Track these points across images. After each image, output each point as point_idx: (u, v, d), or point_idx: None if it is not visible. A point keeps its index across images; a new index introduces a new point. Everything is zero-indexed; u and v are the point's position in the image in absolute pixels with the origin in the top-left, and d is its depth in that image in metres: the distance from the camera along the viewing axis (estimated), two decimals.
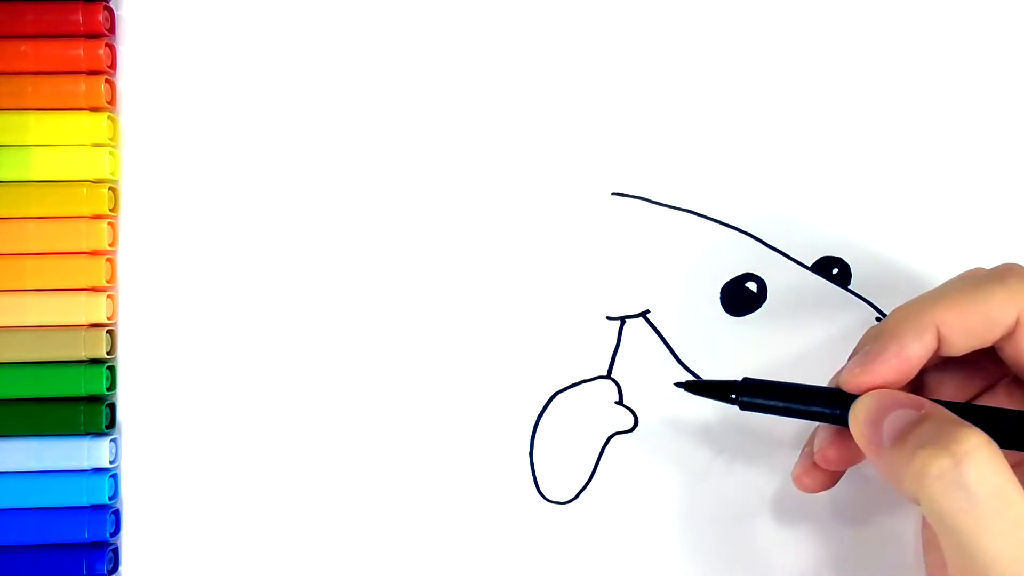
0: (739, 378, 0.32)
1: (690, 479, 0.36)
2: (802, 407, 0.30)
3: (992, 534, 0.25)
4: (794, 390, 0.31)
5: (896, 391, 0.29)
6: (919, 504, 0.26)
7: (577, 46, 0.37)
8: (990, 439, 0.26)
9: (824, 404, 0.30)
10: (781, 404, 0.31)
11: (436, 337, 0.36)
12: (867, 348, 0.30)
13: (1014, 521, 0.25)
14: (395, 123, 0.37)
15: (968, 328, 0.28)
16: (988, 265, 0.30)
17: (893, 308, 0.31)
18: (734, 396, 0.31)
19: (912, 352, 0.29)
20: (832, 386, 0.31)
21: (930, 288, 0.31)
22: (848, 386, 0.30)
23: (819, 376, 0.34)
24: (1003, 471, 0.26)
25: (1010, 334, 0.29)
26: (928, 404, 0.28)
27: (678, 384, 0.33)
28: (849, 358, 0.31)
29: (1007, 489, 0.25)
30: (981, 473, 0.25)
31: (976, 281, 0.29)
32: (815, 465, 0.32)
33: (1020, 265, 0.29)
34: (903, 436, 0.27)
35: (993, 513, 0.25)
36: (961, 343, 0.29)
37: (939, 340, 0.29)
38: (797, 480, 0.33)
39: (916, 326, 0.29)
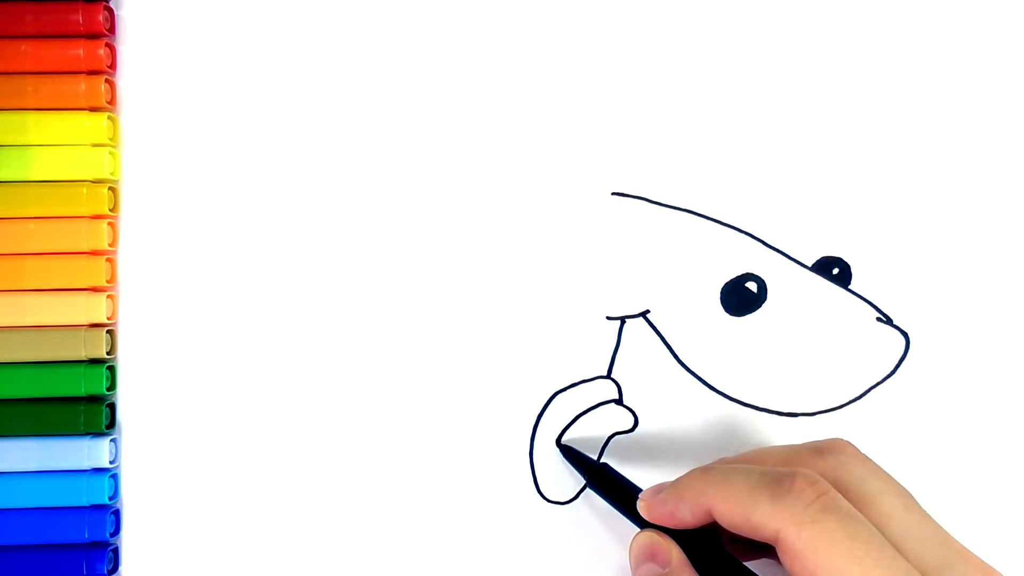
0: (600, 461, 0.35)
1: None
2: (621, 508, 0.33)
3: None
4: (624, 492, 0.33)
5: (658, 540, 0.31)
6: None
7: (577, 46, 0.37)
8: None
9: (636, 518, 0.32)
10: (613, 501, 0.34)
11: (436, 337, 0.36)
12: (662, 487, 0.31)
13: None
14: (395, 123, 0.37)
15: (734, 525, 0.29)
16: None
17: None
18: (585, 472, 0.35)
19: (684, 520, 0.30)
20: None
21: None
22: (639, 508, 0.32)
23: (818, 376, 0.35)
24: None
25: (774, 545, 0.28)
26: (675, 563, 0.30)
27: (558, 444, 0.36)
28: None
29: None
30: None
31: (756, 482, 0.29)
32: None
33: (806, 474, 0.28)
34: None
35: None
36: (734, 529, 0.29)
37: (714, 516, 0.30)
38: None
39: (692, 504, 0.30)
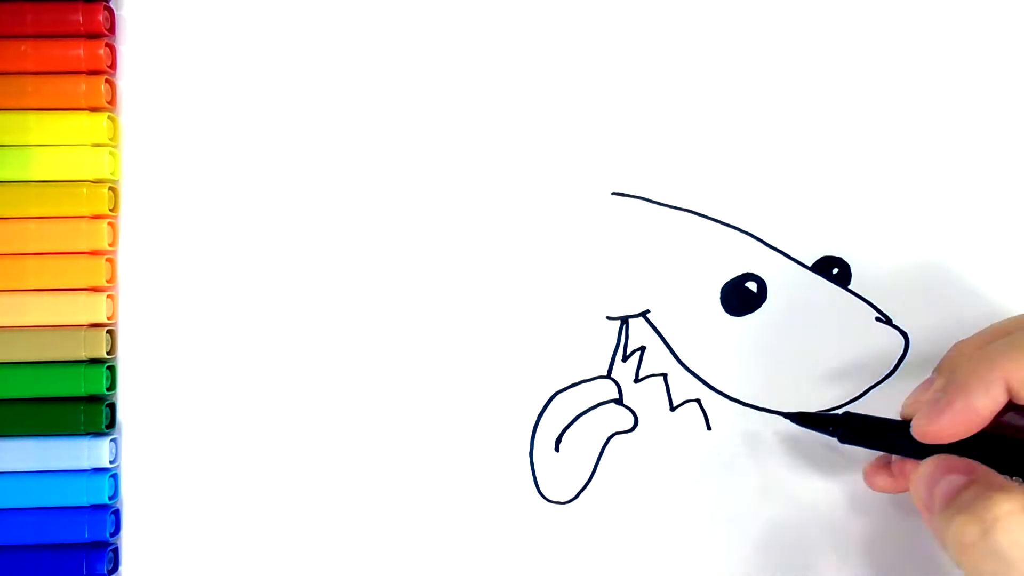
0: (841, 413, 0.34)
1: (690, 479, 0.36)
2: (885, 445, 0.33)
3: None
4: (885, 429, 0.32)
5: (952, 457, 0.29)
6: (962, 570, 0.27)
7: (577, 46, 0.37)
8: None
9: (906, 447, 0.31)
10: (875, 441, 0.33)
11: (436, 337, 0.36)
12: (936, 397, 0.30)
13: None
14: (395, 123, 0.37)
15: None
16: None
17: (955, 343, 0.31)
18: (832, 429, 0.33)
19: (981, 406, 0.29)
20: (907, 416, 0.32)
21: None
22: (917, 434, 0.30)
23: (818, 376, 0.34)
24: None
25: None
26: (979, 470, 0.28)
27: (786, 415, 0.35)
28: (910, 396, 0.32)
29: None
30: (1013, 538, 0.26)
31: None
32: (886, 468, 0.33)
33: None
34: (950, 502, 0.28)
35: None
36: None
37: (1009, 393, 0.28)
38: (868, 478, 0.33)
39: (984, 380, 0.28)
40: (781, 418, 0.36)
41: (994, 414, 0.29)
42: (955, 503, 0.28)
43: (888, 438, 0.32)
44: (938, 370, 0.32)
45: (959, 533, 0.27)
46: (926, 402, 0.30)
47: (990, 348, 0.29)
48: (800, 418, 0.34)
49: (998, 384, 0.28)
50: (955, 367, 0.30)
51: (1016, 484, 0.28)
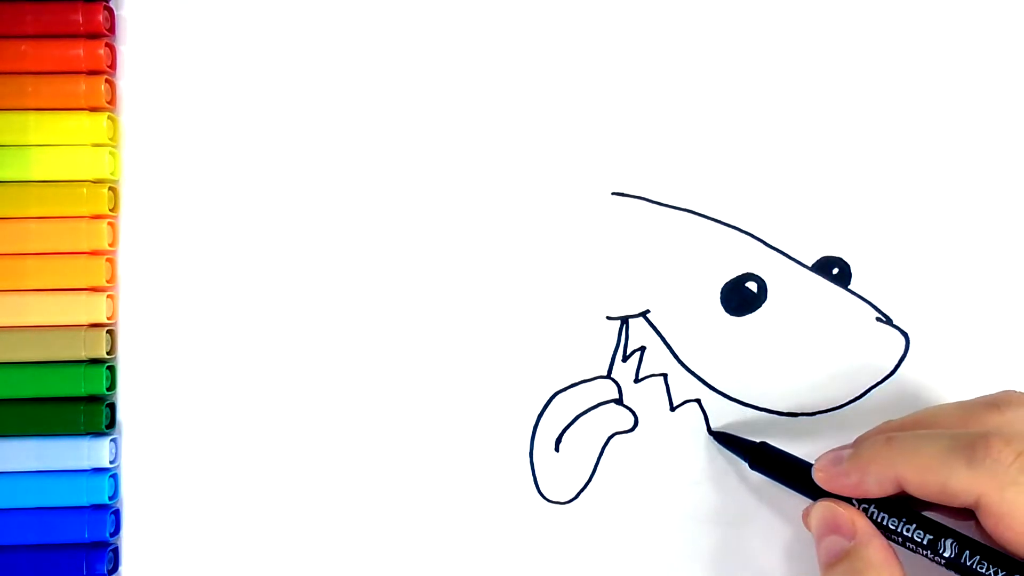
0: (758, 442, 0.35)
1: (690, 479, 0.36)
2: (788, 481, 0.33)
3: None
4: (791, 466, 0.33)
5: (839, 510, 0.30)
6: None
7: (577, 46, 0.37)
8: None
9: (805, 489, 0.33)
10: (779, 475, 0.34)
11: (436, 337, 0.36)
12: (839, 458, 0.31)
13: None
14: (395, 123, 0.37)
15: (928, 494, 0.28)
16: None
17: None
18: (745, 455, 0.35)
19: (872, 490, 0.30)
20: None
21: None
22: (816, 479, 0.31)
23: (818, 376, 0.34)
24: None
25: (973, 509, 0.28)
26: (860, 534, 0.30)
27: (709, 431, 0.36)
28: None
29: None
30: None
31: (947, 447, 0.28)
32: None
33: (999, 434, 0.28)
34: (830, 566, 0.30)
35: None
36: (927, 498, 0.29)
37: (902, 487, 0.29)
38: (804, 518, 0.34)
39: (879, 475, 0.29)
40: (780, 418, 0.36)
41: (889, 494, 0.30)
42: (834, 569, 0.30)
43: (792, 475, 0.33)
44: (856, 442, 0.32)
45: None
46: (829, 459, 0.31)
47: (896, 442, 0.30)
48: (719, 436, 0.36)
49: (891, 481, 0.29)
50: (868, 445, 0.31)
51: (894, 556, 0.29)
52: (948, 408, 0.31)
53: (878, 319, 0.36)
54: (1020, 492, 0.26)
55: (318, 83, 0.37)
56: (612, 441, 0.36)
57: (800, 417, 0.36)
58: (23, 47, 0.35)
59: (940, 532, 0.29)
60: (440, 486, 0.36)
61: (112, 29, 0.36)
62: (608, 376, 0.36)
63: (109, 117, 0.36)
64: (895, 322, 0.37)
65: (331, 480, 0.36)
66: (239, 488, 0.36)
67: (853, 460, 0.30)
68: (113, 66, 0.36)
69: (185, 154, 0.36)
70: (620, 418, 0.36)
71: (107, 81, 0.36)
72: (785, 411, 0.36)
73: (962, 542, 0.29)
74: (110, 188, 0.36)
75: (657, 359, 0.36)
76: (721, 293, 0.36)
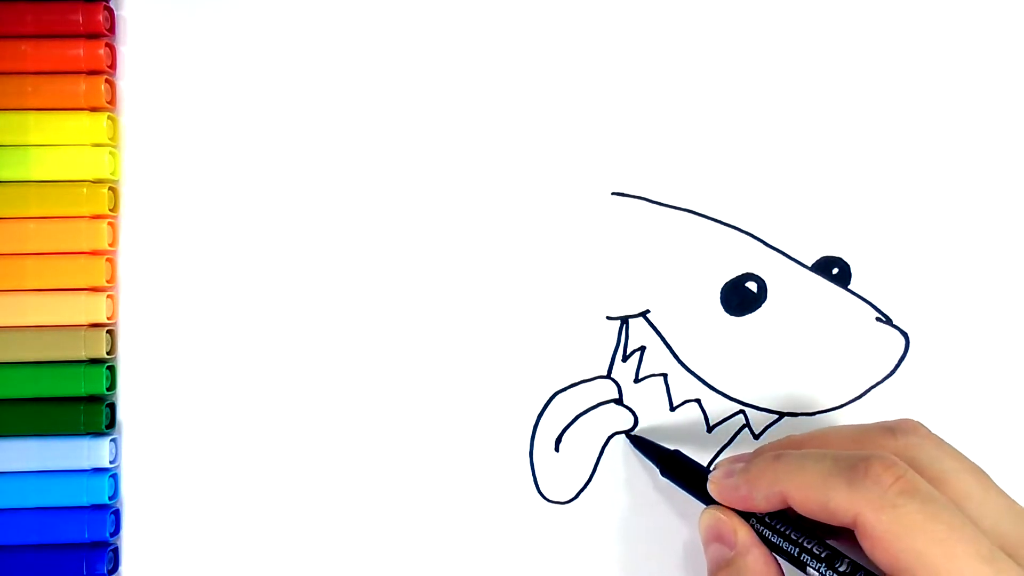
0: (672, 449, 0.35)
1: None
2: (690, 489, 0.34)
3: None
4: (695, 475, 0.33)
5: (723, 519, 0.31)
6: None
7: (577, 46, 0.37)
8: None
9: (701, 495, 0.33)
10: (685, 484, 0.34)
11: (436, 337, 0.36)
12: (733, 470, 0.31)
13: None
14: (395, 123, 0.37)
15: (811, 511, 0.29)
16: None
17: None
18: (656, 461, 0.35)
19: (756, 506, 0.30)
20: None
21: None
22: (709, 490, 0.32)
23: (818, 376, 0.34)
24: None
25: (852, 529, 0.28)
26: (740, 544, 0.30)
27: (626, 433, 0.36)
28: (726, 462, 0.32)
29: None
30: None
31: (830, 467, 0.28)
32: None
33: (881, 457, 0.28)
34: (715, 572, 0.31)
35: None
36: (810, 515, 0.29)
37: (788, 503, 0.29)
38: None
39: (766, 490, 0.30)
40: (781, 419, 0.36)
41: (776, 509, 0.30)
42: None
43: (696, 485, 0.33)
44: (753, 454, 0.32)
45: None
46: (723, 471, 0.32)
47: (783, 460, 0.30)
48: (634, 440, 0.36)
49: (777, 496, 0.30)
50: (758, 461, 0.31)
51: (775, 565, 0.30)
52: (845, 430, 0.32)
53: (878, 319, 0.36)
54: (896, 515, 0.26)
55: (318, 83, 0.37)
56: (612, 441, 0.36)
57: (800, 417, 0.36)
58: (23, 47, 0.35)
59: (825, 548, 0.29)
60: (440, 486, 0.36)
61: (112, 29, 0.36)
62: (608, 376, 0.36)
63: (109, 117, 0.36)
64: (895, 322, 0.37)
65: (331, 480, 0.36)
66: (239, 488, 0.36)
67: (742, 474, 0.31)
68: (113, 66, 0.36)
69: (185, 154, 0.36)
70: (620, 418, 0.36)
71: (107, 81, 0.36)
72: (785, 411, 0.36)
73: (841, 559, 0.29)
74: (110, 188, 0.36)
75: (657, 359, 0.36)
76: (721, 293, 0.36)
